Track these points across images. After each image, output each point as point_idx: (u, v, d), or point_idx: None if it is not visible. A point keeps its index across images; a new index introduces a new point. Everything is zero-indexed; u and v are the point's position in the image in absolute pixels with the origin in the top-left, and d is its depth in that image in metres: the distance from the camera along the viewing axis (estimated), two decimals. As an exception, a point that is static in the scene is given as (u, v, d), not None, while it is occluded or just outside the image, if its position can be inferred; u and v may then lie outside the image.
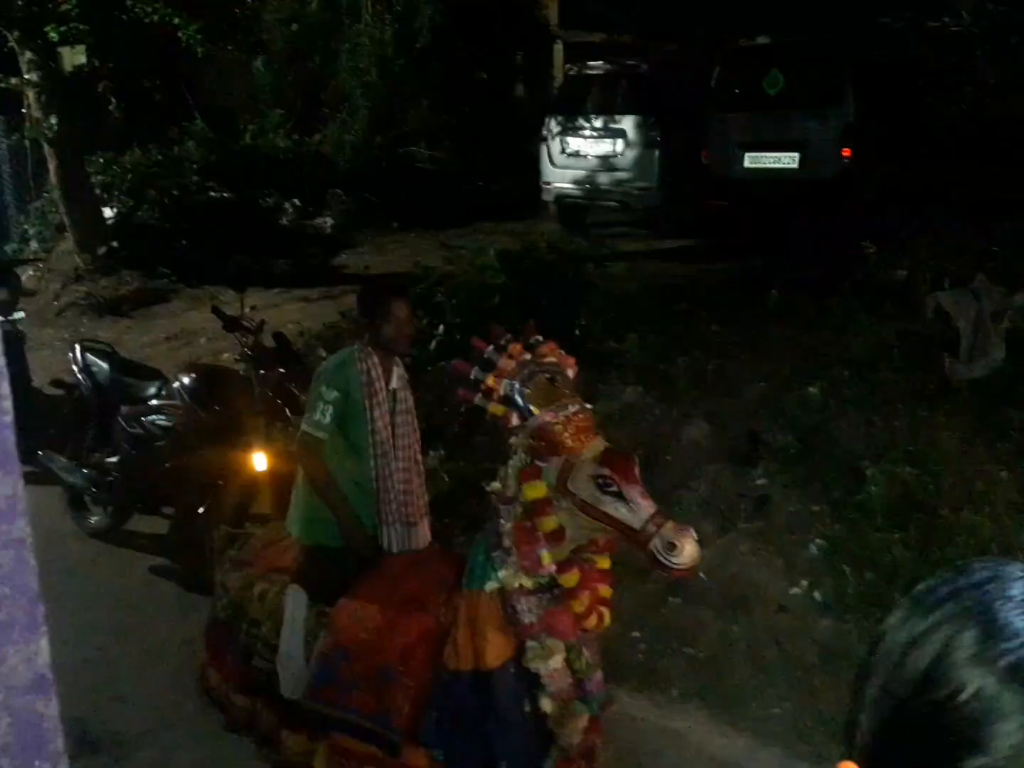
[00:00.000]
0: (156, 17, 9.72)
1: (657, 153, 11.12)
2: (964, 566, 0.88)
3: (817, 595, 4.39)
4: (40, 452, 5.47)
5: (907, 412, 5.64)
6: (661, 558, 2.46)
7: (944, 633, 0.83)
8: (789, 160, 10.51)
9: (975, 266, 6.61)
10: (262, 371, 4.73)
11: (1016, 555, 4.26)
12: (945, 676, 0.81)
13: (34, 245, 12.11)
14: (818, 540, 4.68)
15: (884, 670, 0.86)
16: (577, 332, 6.79)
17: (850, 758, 0.88)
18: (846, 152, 10.18)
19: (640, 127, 11.14)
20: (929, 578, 0.89)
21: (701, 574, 4.46)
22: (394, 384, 3.48)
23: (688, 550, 2.45)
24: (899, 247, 7.90)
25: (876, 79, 10.57)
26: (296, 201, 11.76)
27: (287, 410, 4.83)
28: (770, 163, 10.61)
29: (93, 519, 5.51)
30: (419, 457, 3.58)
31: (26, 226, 12.34)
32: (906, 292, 7.12)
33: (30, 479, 4.94)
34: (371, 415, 3.36)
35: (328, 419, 3.30)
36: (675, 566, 2.46)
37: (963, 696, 0.79)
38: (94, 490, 5.38)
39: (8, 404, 0.53)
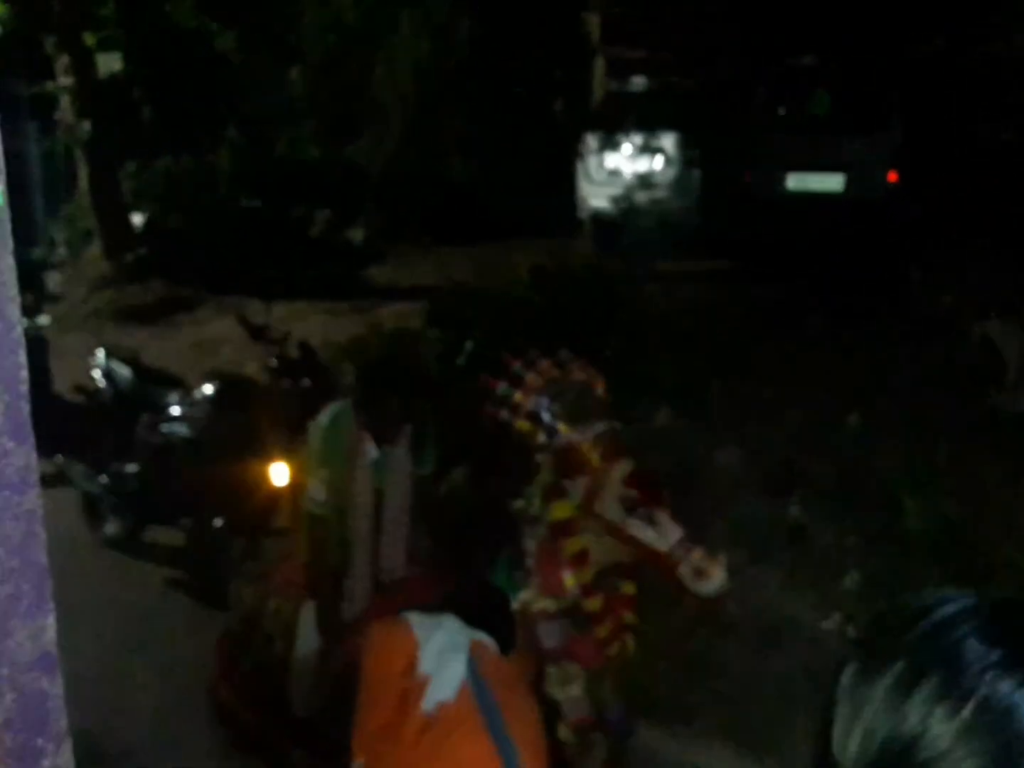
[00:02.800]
0: (193, 24, 9.89)
1: (697, 172, 11.12)
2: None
3: (851, 630, 4.34)
4: (58, 457, 5.53)
5: (949, 444, 5.58)
6: (688, 584, 2.45)
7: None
8: (834, 182, 10.47)
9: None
10: (287, 382, 4.77)
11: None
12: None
13: (62, 251, 12.29)
14: (853, 573, 4.64)
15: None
16: (609, 352, 6.79)
17: None
18: (893, 176, 10.14)
19: (680, 145, 11.15)
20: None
21: (731, 605, 4.42)
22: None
23: (717, 577, 2.44)
24: (945, 274, 7.85)
25: (925, 102, 10.54)
26: (327, 212, 11.86)
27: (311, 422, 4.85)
28: (814, 185, 10.57)
29: (109, 528, 5.55)
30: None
31: (54, 231, 12.53)
32: (952, 320, 7.06)
33: (46, 483, 5.01)
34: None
35: (323, 495, 3.23)
36: (703, 593, 2.45)
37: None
38: (111, 498, 5.43)
39: (25, 374, 0.55)
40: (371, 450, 3.28)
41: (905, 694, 0.81)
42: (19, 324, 0.54)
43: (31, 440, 0.56)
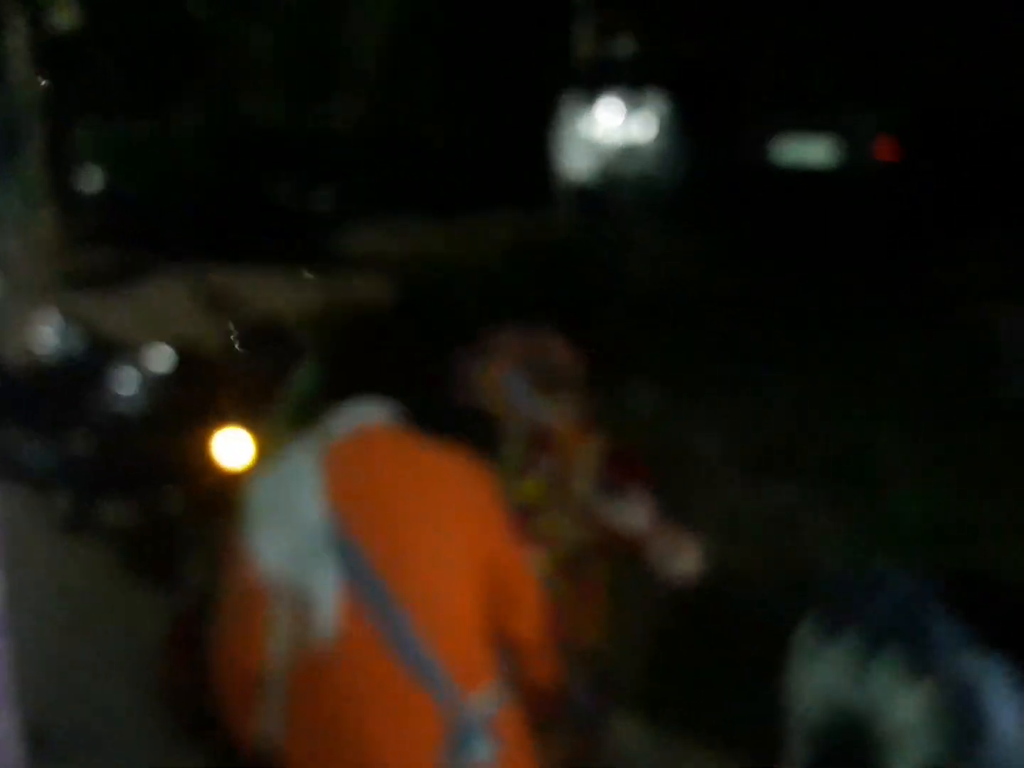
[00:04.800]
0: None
1: (685, 141, 11.07)
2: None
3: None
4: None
5: (952, 430, 5.58)
6: (663, 566, 2.46)
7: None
8: (828, 153, 10.42)
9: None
10: (248, 352, 4.73)
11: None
12: None
13: (14, 214, 12.14)
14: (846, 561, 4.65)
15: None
16: (590, 328, 6.76)
17: None
18: (896, 149, 10.09)
19: (668, 113, 11.09)
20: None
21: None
22: None
23: (692, 559, 2.46)
24: (954, 255, 7.83)
25: (936, 69, 10.48)
26: (295, 178, 11.78)
27: (274, 393, 4.80)
28: (809, 155, 10.51)
29: (57, 506, 5.49)
30: None
31: (3, 195, 12.38)
32: (959, 303, 7.04)
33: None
34: None
35: None
36: (677, 575, 2.46)
37: None
38: (60, 475, 5.37)
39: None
40: None
41: (863, 661, 0.81)
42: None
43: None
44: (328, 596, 1.99)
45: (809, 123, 10.43)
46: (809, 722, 0.85)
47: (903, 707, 0.76)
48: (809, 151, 10.43)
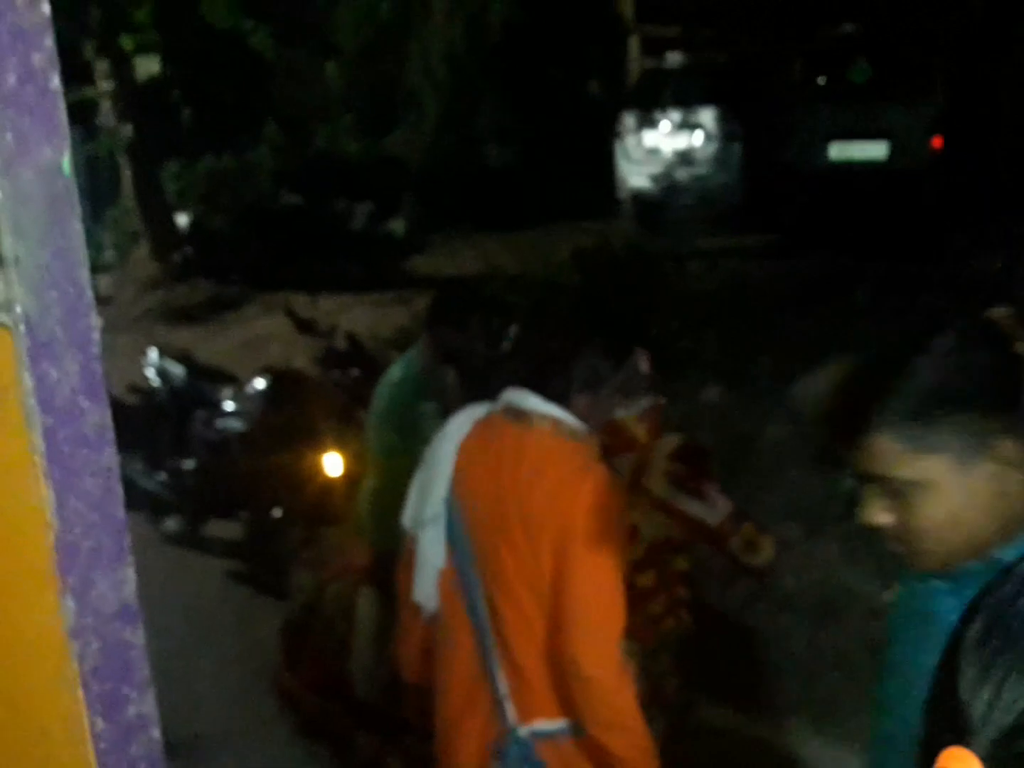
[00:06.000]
0: (228, 24, 10.02)
1: (737, 146, 11.03)
2: None
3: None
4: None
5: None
6: (739, 557, 2.46)
7: None
8: (877, 151, 10.33)
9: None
10: (335, 373, 4.84)
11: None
12: None
13: (109, 254, 12.51)
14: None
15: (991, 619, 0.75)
16: (654, 330, 6.78)
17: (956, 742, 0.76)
18: (937, 142, 9.98)
19: (720, 120, 11.06)
20: None
21: (788, 579, 4.42)
22: None
23: (767, 551, 2.45)
24: (994, 239, 7.71)
25: (970, 66, 10.34)
26: (367, 205, 11.95)
27: (362, 412, 4.92)
28: (857, 154, 10.43)
29: (169, 525, 5.66)
30: None
31: (101, 236, 12.77)
32: (1003, 286, 6.94)
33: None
34: None
35: None
36: (753, 567, 2.46)
37: None
38: (170, 496, 5.54)
39: (97, 336, 0.59)
40: None
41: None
42: (89, 289, 0.58)
43: (105, 399, 0.60)
44: (435, 557, 2.13)
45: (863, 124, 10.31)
46: (981, 708, 0.77)
47: None
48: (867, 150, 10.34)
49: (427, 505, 2.15)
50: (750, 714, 3.89)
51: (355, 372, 4.87)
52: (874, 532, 1.33)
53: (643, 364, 2.78)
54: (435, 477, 2.16)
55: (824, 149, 10.52)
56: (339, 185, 12.04)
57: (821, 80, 10.79)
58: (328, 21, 13.27)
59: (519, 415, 2.10)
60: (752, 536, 2.45)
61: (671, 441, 2.62)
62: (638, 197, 11.74)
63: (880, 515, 1.26)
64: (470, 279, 8.80)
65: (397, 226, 12.20)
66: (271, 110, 13.32)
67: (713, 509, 2.50)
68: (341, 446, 4.75)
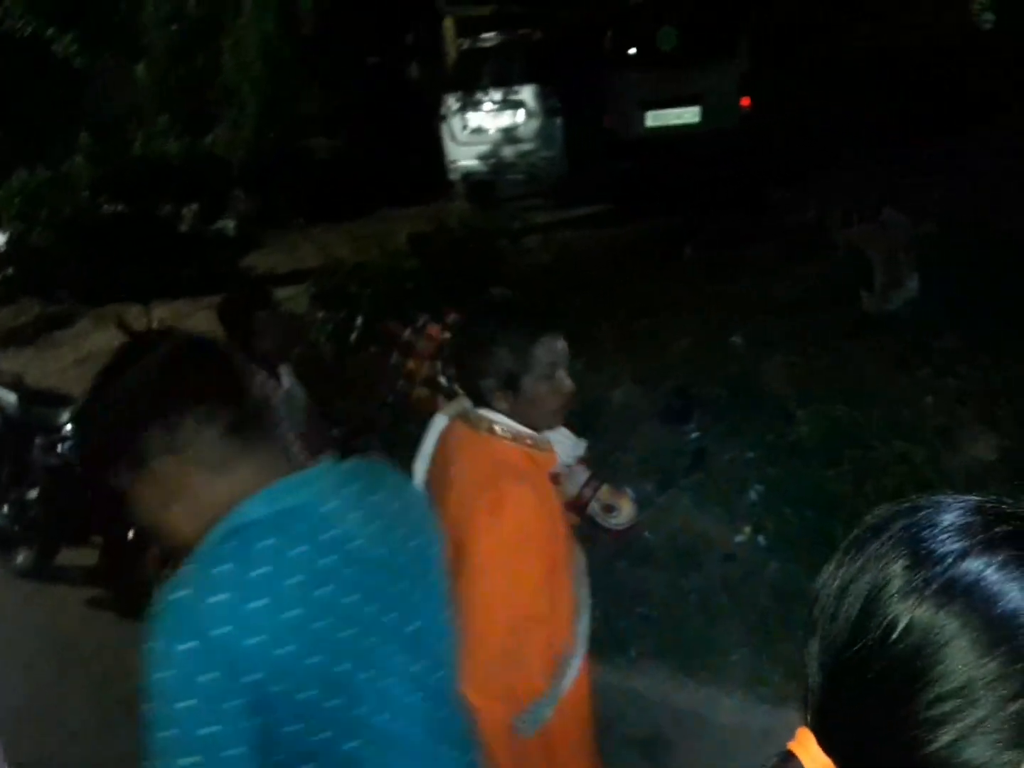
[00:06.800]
0: (29, 31, 9.45)
1: (559, 121, 11.15)
2: (894, 506, 0.85)
3: (761, 539, 4.48)
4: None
5: (831, 350, 5.77)
6: (600, 521, 2.48)
7: (870, 575, 0.80)
8: (690, 115, 10.59)
9: (882, 199, 6.77)
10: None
11: (948, 477, 4.40)
12: (876, 617, 0.78)
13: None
14: (756, 485, 4.78)
15: (821, 626, 0.83)
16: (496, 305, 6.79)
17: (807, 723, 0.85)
18: (745, 101, 10.31)
19: (539, 96, 11.16)
20: (862, 522, 0.86)
21: (646, 533, 4.52)
22: None
23: (626, 510, 2.48)
24: (807, 189, 8.06)
25: (772, 22, 10.71)
26: (194, 206, 11.53)
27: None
28: (672, 120, 10.68)
29: (19, 559, 5.37)
30: None
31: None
32: (818, 232, 7.27)
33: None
34: None
35: None
36: (615, 527, 2.48)
37: (897, 632, 0.76)
38: (16, 528, 5.24)
39: None
40: None
41: (873, 585, 0.78)
42: None
43: None
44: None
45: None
46: (824, 662, 0.83)
47: (914, 619, 0.75)
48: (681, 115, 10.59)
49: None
50: (621, 668, 3.96)
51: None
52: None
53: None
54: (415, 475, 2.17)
55: (641, 118, 10.73)
56: (162, 188, 11.57)
57: (632, 50, 10.98)
58: (134, 22, 12.69)
59: (465, 416, 2.13)
60: (610, 498, 2.47)
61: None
62: (468, 177, 11.75)
63: None
64: (309, 273, 8.63)
65: (227, 225, 11.81)
66: (83, 118, 12.68)
67: (570, 479, 2.51)
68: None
